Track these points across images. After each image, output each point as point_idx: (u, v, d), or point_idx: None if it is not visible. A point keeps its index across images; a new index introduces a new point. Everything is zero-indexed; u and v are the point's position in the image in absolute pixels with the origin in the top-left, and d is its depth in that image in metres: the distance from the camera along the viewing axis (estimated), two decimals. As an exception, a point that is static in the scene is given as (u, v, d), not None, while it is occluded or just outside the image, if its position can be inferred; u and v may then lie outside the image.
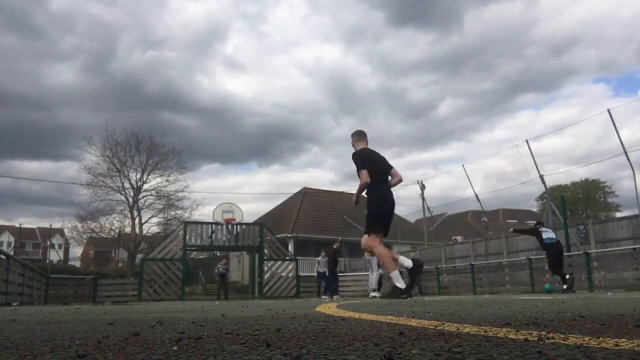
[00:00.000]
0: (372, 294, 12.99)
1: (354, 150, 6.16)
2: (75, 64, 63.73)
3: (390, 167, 6.07)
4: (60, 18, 59.77)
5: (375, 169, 5.85)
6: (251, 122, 73.01)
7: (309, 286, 18.83)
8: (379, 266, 13.32)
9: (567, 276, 10.88)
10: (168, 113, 67.18)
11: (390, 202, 5.91)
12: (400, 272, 5.90)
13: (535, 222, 13.08)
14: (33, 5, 57.79)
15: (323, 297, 14.86)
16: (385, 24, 74.72)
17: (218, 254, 29.76)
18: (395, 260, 5.91)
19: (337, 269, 16.02)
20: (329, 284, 15.45)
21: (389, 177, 6.03)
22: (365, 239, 5.89)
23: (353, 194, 6.23)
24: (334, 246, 15.69)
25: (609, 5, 70.75)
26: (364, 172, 5.77)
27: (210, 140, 69.85)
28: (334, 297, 14.35)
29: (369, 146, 6.24)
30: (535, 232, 11.40)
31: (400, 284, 5.70)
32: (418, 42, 76.49)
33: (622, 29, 67.70)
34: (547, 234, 11.09)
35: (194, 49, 69.47)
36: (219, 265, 20.42)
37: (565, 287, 10.67)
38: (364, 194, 5.99)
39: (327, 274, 17.88)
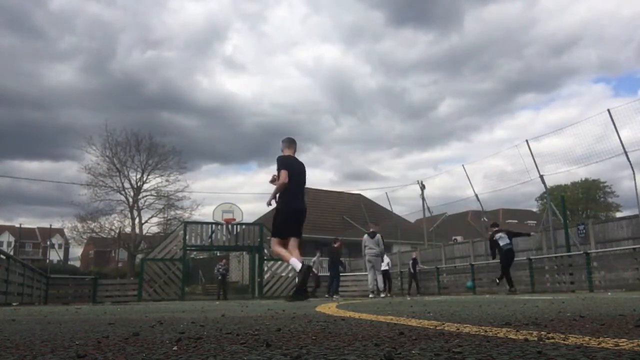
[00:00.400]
0: (381, 294, 13.07)
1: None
2: (75, 64, 63.80)
3: (304, 183, 6.55)
4: (59, 18, 59.82)
5: (292, 176, 6.20)
6: (251, 122, 73.13)
7: (309, 286, 18.77)
8: (381, 267, 13.49)
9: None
10: (168, 113, 67.31)
11: (296, 212, 6.34)
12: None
13: (491, 223, 13.80)
14: (33, 5, 57.84)
15: (326, 295, 14.86)
16: (384, 24, 74.75)
17: (218, 254, 29.77)
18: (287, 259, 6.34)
19: (340, 268, 15.98)
20: (331, 283, 15.46)
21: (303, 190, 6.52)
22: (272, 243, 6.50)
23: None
24: (335, 245, 15.68)
25: (609, 5, 70.81)
26: (283, 172, 6.13)
27: (210, 140, 69.96)
28: (334, 296, 14.35)
29: (296, 155, 6.64)
30: (492, 242, 12.32)
31: (297, 266, 6.06)
32: (418, 42, 76.60)
33: (622, 28, 67.78)
34: (503, 240, 12.09)
35: (194, 49, 69.53)
36: (219, 266, 20.51)
37: (511, 288, 12.12)
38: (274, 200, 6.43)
39: (319, 273, 18.00)
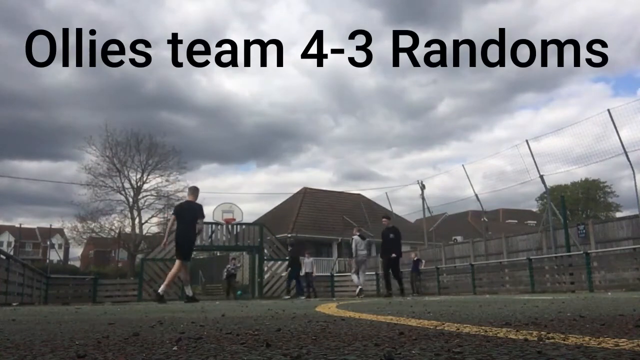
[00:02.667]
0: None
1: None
2: (72, 63, 63.53)
3: (199, 218, 8.76)
4: (56, 16, 59.43)
5: (181, 217, 8.70)
6: (250, 121, 72.98)
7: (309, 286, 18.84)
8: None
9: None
10: (166, 112, 67.09)
11: (182, 241, 8.73)
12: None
13: (384, 215, 14.18)
14: (29, 4, 57.49)
15: (300, 297, 14.91)
16: (382, 23, 74.42)
17: (218, 254, 29.76)
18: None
19: (302, 270, 16.37)
20: (297, 284, 15.91)
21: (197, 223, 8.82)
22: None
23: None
24: (292, 246, 16.19)
25: (608, 4, 70.70)
26: (171, 218, 9.10)
27: (208, 140, 69.77)
28: (286, 297, 14.45)
29: (198, 199, 9.17)
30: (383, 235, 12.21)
31: (161, 290, 8.87)
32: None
33: (622, 27, 67.66)
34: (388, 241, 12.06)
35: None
36: (229, 266, 20.68)
37: (389, 292, 11.97)
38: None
39: (309, 274, 18.22)
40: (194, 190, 9.23)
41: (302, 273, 17.84)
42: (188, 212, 8.73)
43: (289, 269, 16.33)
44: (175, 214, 9.00)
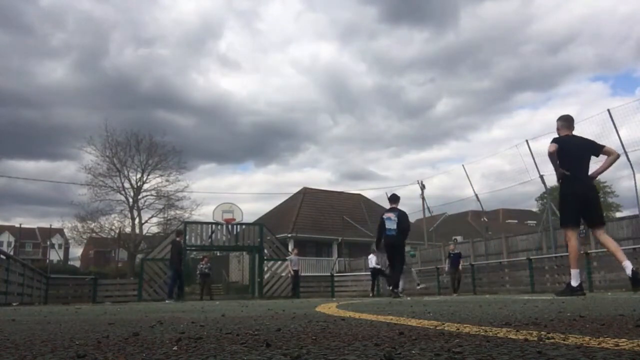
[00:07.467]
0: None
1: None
2: (67, 62, 63.29)
3: (600, 148, 5.86)
4: (50, 14, 59.08)
5: (569, 156, 5.69)
6: (247, 121, 72.82)
7: (310, 286, 18.86)
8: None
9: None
10: (163, 112, 66.95)
11: (580, 193, 5.68)
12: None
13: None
14: (23, 2, 57.25)
15: (166, 301, 13.22)
16: (379, 21, 74.14)
17: (218, 254, 29.76)
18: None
19: (182, 266, 14.40)
20: (173, 284, 13.86)
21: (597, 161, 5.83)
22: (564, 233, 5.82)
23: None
24: (177, 238, 14.54)
25: (606, 2, 70.66)
26: (551, 145, 5.70)
27: (206, 139, 69.55)
28: (168, 300, 12.87)
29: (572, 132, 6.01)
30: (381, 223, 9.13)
31: (575, 282, 5.63)
32: (413, 39, 75.71)
33: (620, 26, 67.64)
34: (391, 222, 9.05)
35: (188, 46, 68.87)
36: (201, 265, 20.36)
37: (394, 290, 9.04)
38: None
39: (299, 273, 17.60)
40: (567, 121, 5.98)
41: (291, 272, 17.69)
42: (577, 150, 5.78)
43: (172, 265, 13.91)
44: (559, 145, 5.68)
